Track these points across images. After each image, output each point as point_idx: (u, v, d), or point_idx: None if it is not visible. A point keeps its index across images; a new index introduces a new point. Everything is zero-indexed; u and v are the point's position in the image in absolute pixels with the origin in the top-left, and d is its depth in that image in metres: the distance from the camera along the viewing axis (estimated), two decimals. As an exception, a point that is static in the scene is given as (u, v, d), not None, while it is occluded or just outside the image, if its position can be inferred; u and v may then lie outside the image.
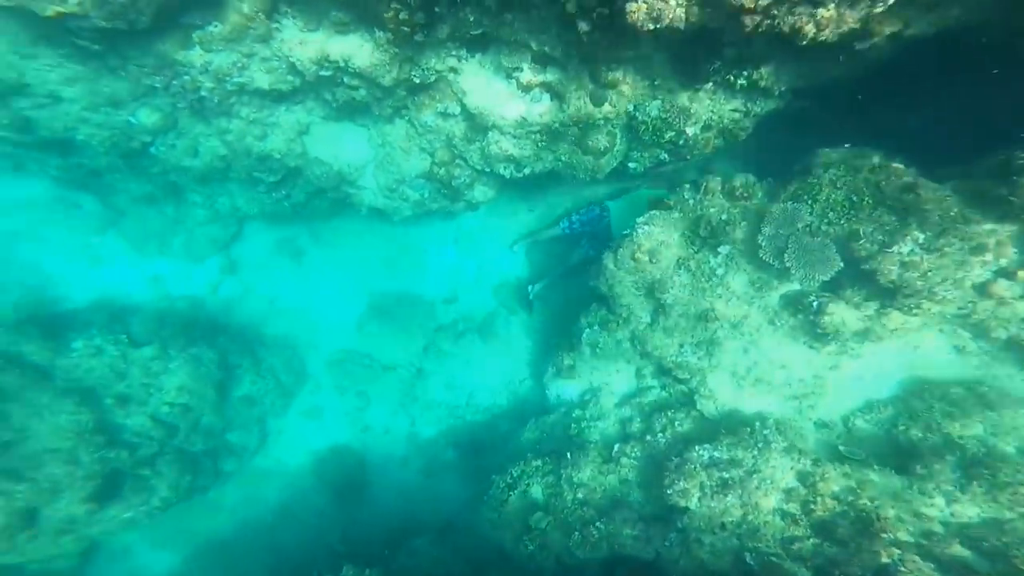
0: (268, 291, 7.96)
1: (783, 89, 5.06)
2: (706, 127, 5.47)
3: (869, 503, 4.30)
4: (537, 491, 5.48)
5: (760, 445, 4.65)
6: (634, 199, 6.53)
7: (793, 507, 4.50)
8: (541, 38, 4.56)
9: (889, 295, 4.54)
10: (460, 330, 7.82)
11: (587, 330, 5.90)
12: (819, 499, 4.44)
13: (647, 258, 5.33)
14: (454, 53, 4.88)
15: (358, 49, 4.65)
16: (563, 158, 5.70)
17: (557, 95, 5.06)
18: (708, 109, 5.31)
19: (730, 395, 5.26)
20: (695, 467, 4.62)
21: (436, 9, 4.26)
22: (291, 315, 7.96)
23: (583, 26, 4.05)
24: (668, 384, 5.63)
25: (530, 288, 7.24)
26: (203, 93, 5.13)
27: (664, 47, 4.77)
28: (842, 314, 4.65)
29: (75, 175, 6.74)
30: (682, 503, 4.56)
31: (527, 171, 5.85)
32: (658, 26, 3.67)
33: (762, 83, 4.89)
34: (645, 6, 3.57)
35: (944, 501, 4.24)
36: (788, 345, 5.10)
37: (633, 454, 5.20)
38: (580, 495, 5.23)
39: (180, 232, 7.58)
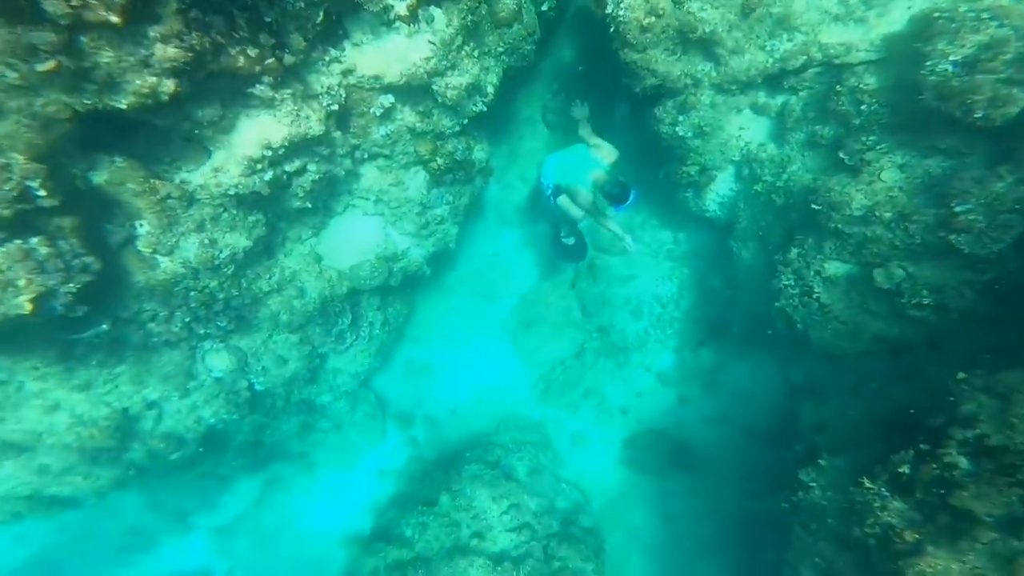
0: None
1: None
2: None
3: None
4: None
5: None
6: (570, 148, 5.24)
7: None
8: None
9: None
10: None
11: (677, 126, 4.77)
12: None
13: (652, 17, 4.23)
14: (332, 53, 4.02)
15: (264, 127, 3.85)
16: (500, 48, 4.68)
17: None
18: None
19: (855, 31, 4.07)
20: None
21: (267, 20, 3.38)
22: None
23: None
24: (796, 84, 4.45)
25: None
26: (221, 296, 4.53)
27: None
28: None
29: (250, 457, 6.50)
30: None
31: (490, 89, 4.79)
32: None
33: None
34: None
35: None
36: None
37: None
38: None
39: (351, 431, 7.12)
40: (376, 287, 5.79)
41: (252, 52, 3.34)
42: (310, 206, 4.82)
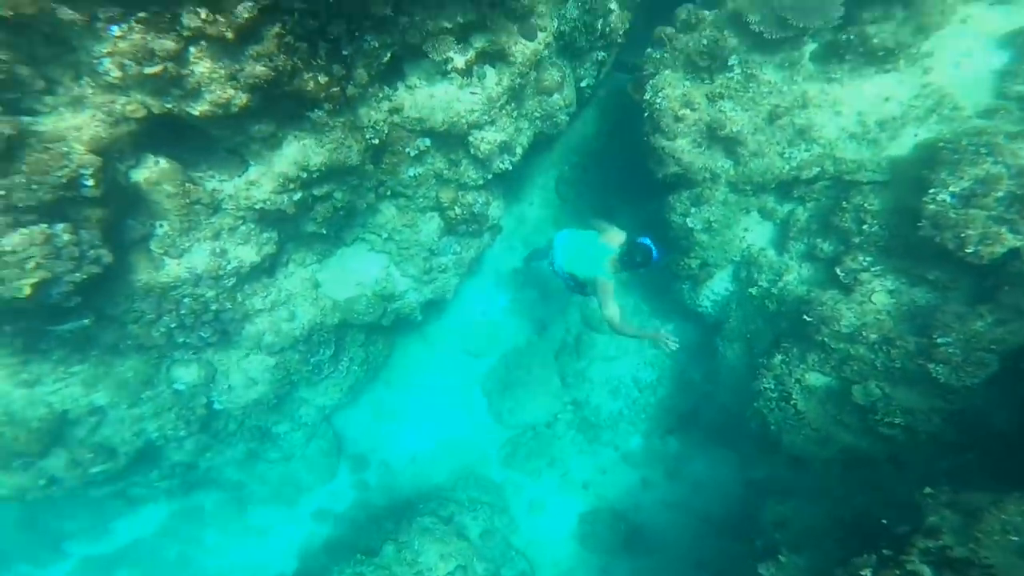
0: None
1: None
2: (620, 3, 4.96)
3: None
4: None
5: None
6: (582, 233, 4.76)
7: None
8: (446, 14, 3.91)
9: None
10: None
11: (688, 217, 5.03)
12: None
13: (687, 109, 4.56)
14: (385, 91, 4.18)
15: (307, 149, 3.91)
16: (537, 114, 4.94)
17: (494, 57, 4.35)
18: None
19: (866, 151, 4.45)
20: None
21: (344, 52, 3.59)
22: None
23: None
24: (805, 195, 4.78)
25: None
26: (214, 307, 4.34)
27: None
28: (880, 30, 4.11)
29: (178, 479, 5.94)
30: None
31: (519, 150, 5.01)
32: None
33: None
34: None
35: None
36: (863, 81, 4.42)
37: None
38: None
39: (299, 466, 6.65)
40: (366, 323, 5.66)
41: (323, 79, 3.49)
42: (324, 232, 4.79)
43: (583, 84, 5.44)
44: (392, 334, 6.54)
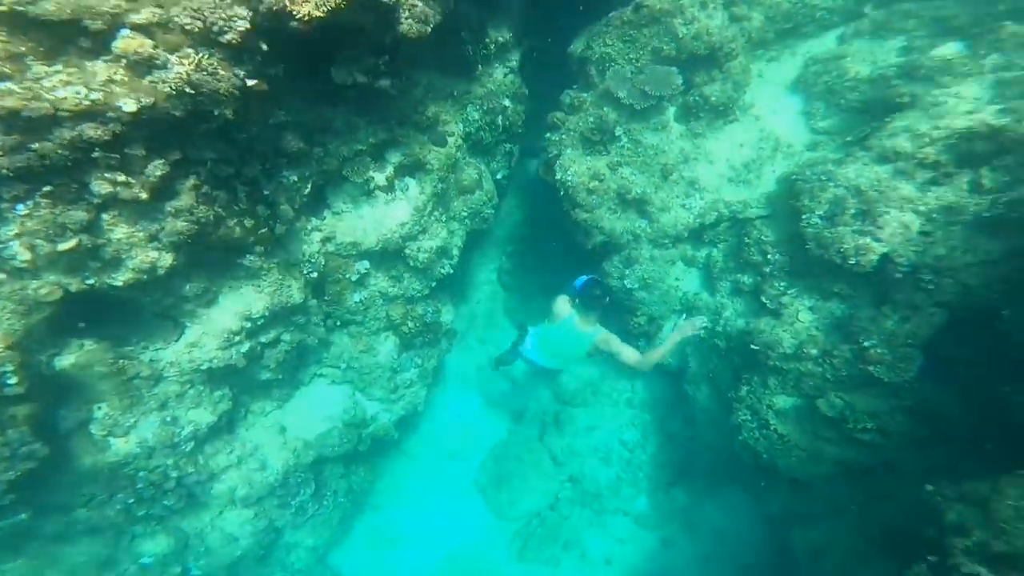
0: None
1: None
2: (512, 99, 5.47)
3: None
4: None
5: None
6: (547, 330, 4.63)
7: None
8: (359, 138, 4.19)
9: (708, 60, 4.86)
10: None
11: (624, 279, 5.25)
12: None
13: (596, 181, 4.97)
14: (313, 222, 4.33)
15: (246, 297, 3.91)
16: (464, 213, 5.24)
17: (413, 168, 4.65)
18: (499, 82, 5.32)
19: (745, 191, 4.99)
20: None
21: (265, 192, 3.69)
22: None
23: (384, 84, 3.77)
24: (714, 238, 5.22)
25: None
26: (174, 475, 4.09)
27: (431, 57, 4.61)
28: (712, 90, 4.86)
29: None
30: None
31: (455, 252, 5.25)
32: (424, 28, 3.45)
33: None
34: (409, 19, 3.37)
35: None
36: (720, 133, 5.09)
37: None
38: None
39: None
40: (342, 454, 5.46)
41: (248, 223, 3.54)
42: (280, 377, 4.69)
43: (499, 176, 5.83)
44: (372, 458, 6.28)
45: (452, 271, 5.29)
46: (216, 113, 2.86)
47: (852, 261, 4.00)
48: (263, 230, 3.70)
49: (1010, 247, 3.59)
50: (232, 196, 3.43)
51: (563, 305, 4.24)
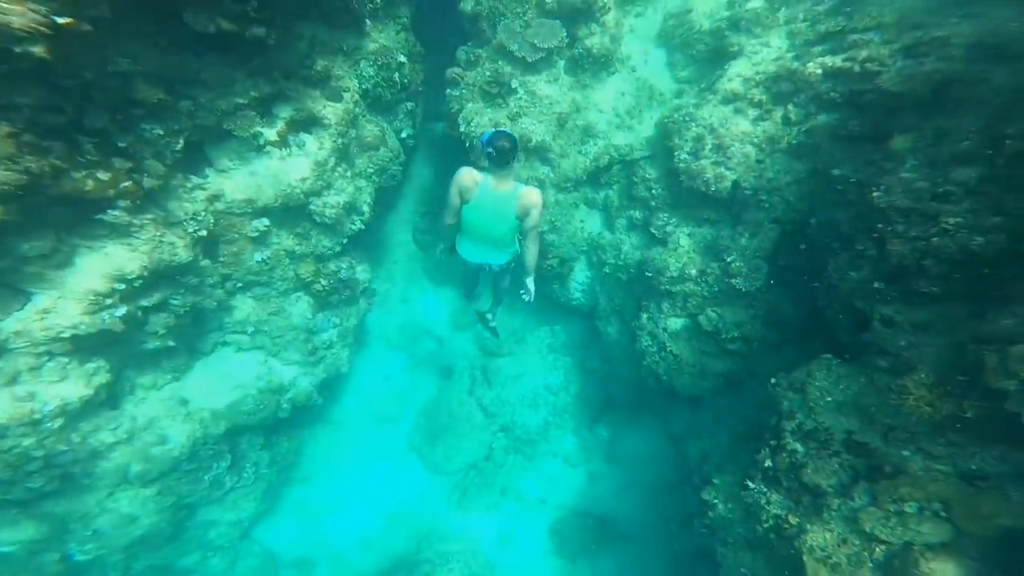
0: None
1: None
2: (408, 56, 5.40)
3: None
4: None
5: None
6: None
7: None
8: (237, 91, 3.95)
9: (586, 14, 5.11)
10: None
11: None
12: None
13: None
14: (193, 180, 4.02)
15: (117, 257, 3.53)
16: (370, 169, 5.15)
17: (307, 123, 4.48)
18: (392, 38, 5.23)
19: (630, 135, 5.36)
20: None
21: (121, 144, 3.37)
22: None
23: (258, 32, 3.57)
24: (609, 179, 5.58)
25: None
26: (39, 454, 3.68)
27: (313, 9, 4.44)
28: (593, 42, 5.16)
29: None
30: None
31: (366, 208, 5.16)
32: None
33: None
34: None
35: None
36: (603, 84, 5.41)
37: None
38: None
39: None
40: (260, 423, 5.27)
41: (104, 175, 3.26)
42: (173, 345, 4.36)
43: (403, 136, 5.74)
44: (295, 427, 6.16)
45: (364, 227, 5.20)
46: (18, 52, 2.60)
47: (713, 188, 4.60)
48: (126, 183, 3.40)
49: (811, 167, 4.29)
50: (73, 147, 3.14)
51: (470, 175, 3.75)
